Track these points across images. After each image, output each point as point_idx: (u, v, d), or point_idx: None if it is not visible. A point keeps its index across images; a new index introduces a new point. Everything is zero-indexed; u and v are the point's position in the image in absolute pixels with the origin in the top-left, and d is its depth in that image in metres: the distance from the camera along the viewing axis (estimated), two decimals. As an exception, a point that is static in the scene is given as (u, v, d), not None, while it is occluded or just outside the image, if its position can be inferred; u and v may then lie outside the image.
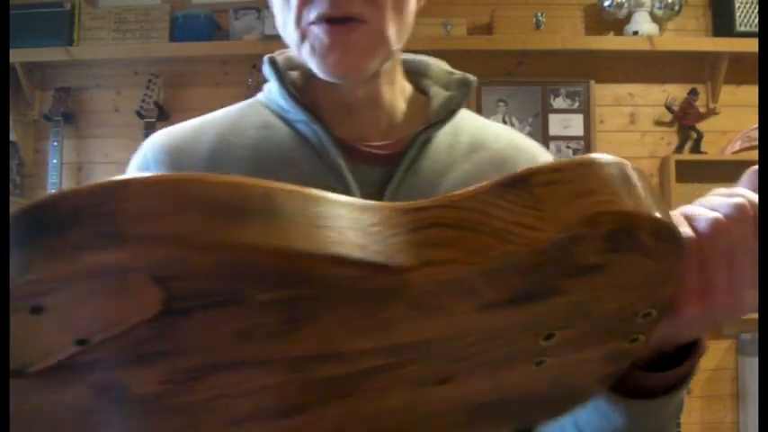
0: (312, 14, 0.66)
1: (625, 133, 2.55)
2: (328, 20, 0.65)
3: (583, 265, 0.39)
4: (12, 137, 2.55)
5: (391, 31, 0.67)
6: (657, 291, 0.42)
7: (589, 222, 0.38)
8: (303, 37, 0.67)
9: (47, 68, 2.63)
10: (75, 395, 0.37)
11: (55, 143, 2.47)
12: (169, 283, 0.33)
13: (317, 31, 0.66)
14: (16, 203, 2.47)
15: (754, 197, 0.46)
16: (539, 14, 2.54)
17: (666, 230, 0.40)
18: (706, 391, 2.54)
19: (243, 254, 0.33)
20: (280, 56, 0.77)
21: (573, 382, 0.46)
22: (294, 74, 0.76)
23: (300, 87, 0.74)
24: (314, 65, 0.67)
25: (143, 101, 2.47)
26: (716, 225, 0.44)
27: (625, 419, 0.54)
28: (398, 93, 0.74)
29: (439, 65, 0.79)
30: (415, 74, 0.78)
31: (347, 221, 0.36)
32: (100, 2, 2.64)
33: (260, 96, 0.77)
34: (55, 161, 2.46)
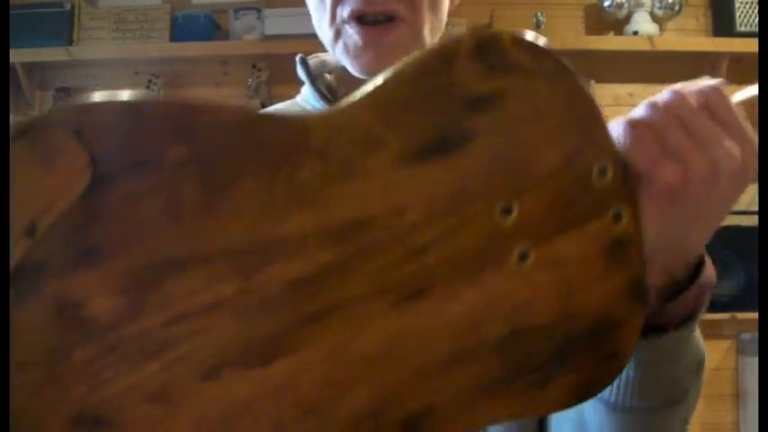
0: (346, 11, 0.64)
1: (625, 133, 2.55)
2: (361, 20, 0.64)
3: (471, 94, 0.39)
4: (12, 137, 2.55)
5: (426, 29, 0.66)
6: (589, 133, 0.41)
7: (444, 42, 0.40)
8: (337, 35, 0.66)
9: (47, 68, 2.63)
10: (34, 311, 0.37)
11: (55, 143, 2.47)
12: (88, 141, 0.36)
13: (351, 31, 0.65)
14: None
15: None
16: (539, 14, 2.54)
17: (530, 43, 0.41)
18: (706, 391, 2.52)
19: (139, 105, 0.37)
20: (313, 59, 0.76)
21: (585, 297, 0.42)
22: (329, 76, 0.76)
23: (335, 89, 0.74)
24: (348, 63, 0.67)
25: (143, 101, 2.47)
26: (657, 101, 0.43)
27: (636, 368, 0.51)
28: None
29: None
30: None
31: None
32: (100, 2, 2.64)
33: (298, 98, 0.77)
34: (55, 161, 2.46)
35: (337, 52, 0.68)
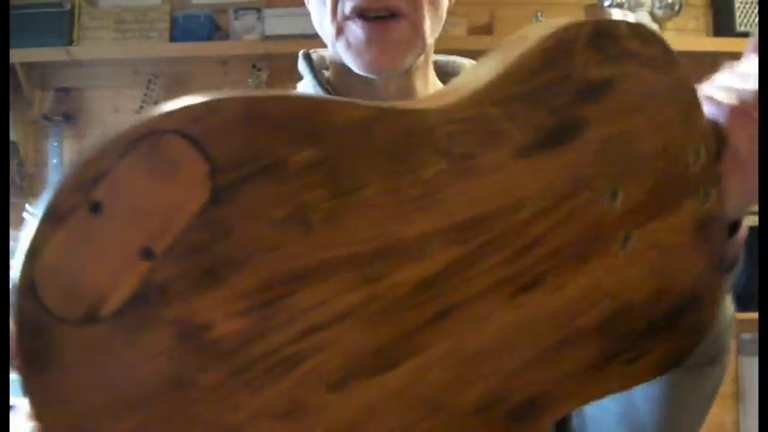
0: (348, 7, 0.65)
1: (625, 133, 2.55)
2: (364, 16, 0.64)
3: (588, 81, 0.40)
4: (12, 137, 2.55)
5: (427, 25, 0.66)
6: (689, 120, 0.43)
7: (565, 29, 0.41)
8: (339, 32, 0.66)
9: (47, 68, 2.63)
10: (155, 341, 0.33)
11: (55, 143, 2.47)
12: (208, 149, 0.32)
13: (354, 26, 0.65)
14: (16, 204, 2.47)
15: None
16: (539, 14, 2.54)
17: (644, 30, 0.42)
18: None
19: (263, 104, 0.33)
20: (314, 53, 0.77)
21: (676, 274, 0.43)
22: (327, 72, 0.76)
23: (334, 85, 0.74)
24: (350, 60, 0.67)
25: (143, 101, 2.47)
26: (750, 93, 0.46)
27: None
28: (431, 88, 0.74)
29: (471, 62, 0.78)
30: (448, 74, 0.77)
31: None
32: (100, 2, 2.64)
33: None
34: (55, 161, 2.46)
35: (339, 49, 0.68)
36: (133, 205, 0.32)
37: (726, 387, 2.54)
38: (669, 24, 2.59)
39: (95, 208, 0.31)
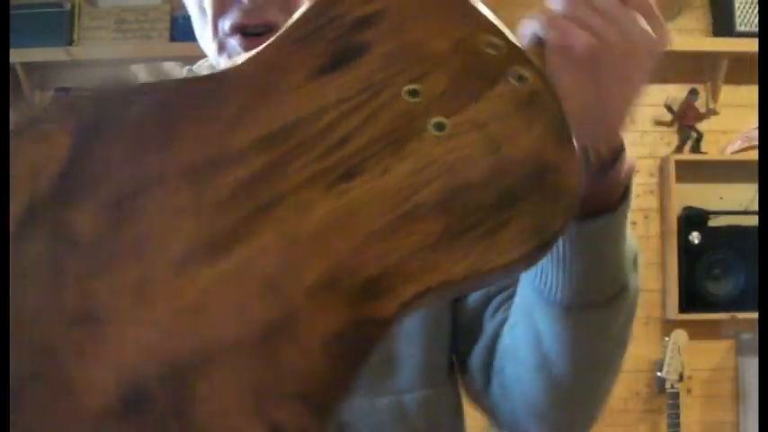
0: (227, 25, 0.67)
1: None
2: (244, 32, 0.66)
3: (357, 17, 0.48)
4: (12, 137, 2.55)
5: None
6: (468, 20, 0.48)
7: None
8: (221, 48, 0.69)
9: (47, 68, 2.63)
10: (39, 238, 0.44)
11: (55, 143, 2.47)
12: (75, 133, 0.45)
13: (234, 42, 0.67)
14: (16, 203, 2.48)
15: None
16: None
17: None
18: (706, 391, 2.54)
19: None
20: (202, 65, 0.80)
21: (511, 147, 0.46)
22: None
23: None
24: None
25: (143, 101, 2.47)
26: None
27: (580, 260, 0.54)
28: None
29: None
30: None
31: None
32: (100, 2, 2.65)
33: None
34: (55, 161, 2.46)
35: (222, 64, 0.70)
36: (20, 160, 0.45)
37: (726, 387, 2.55)
38: (669, 24, 2.59)
39: None
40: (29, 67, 2.58)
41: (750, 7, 2.50)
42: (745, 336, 2.50)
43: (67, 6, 2.58)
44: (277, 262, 0.44)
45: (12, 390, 0.41)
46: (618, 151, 0.52)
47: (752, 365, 2.50)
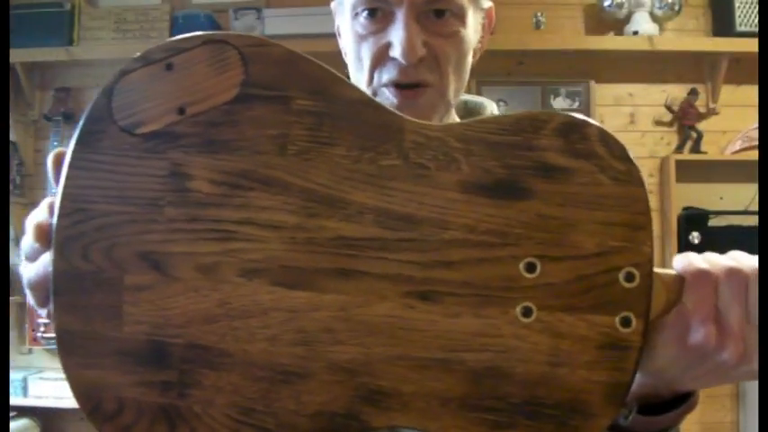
0: (384, 78, 0.71)
1: (625, 133, 2.55)
2: (398, 85, 0.71)
3: (545, 161, 0.46)
4: (12, 137, 2.55)
5: (451, 90, 0.73)
6: (635, 243, 0.46)
7: (540, 112, 0.48)
8: (374, 95, 0.72)
9: (47, 68, 2.63)
10: (155, 167, 0.48)
11: (55, 143, 2.47)
12: (249, 66, 0.49)
13: (388, 93, 0.71)
14: (16, 203, 2.47)
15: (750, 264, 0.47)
16: (538, 14, 2.54)
17: (613, 140, 0.46)
18: (706, 391, 2.53)
19: (299, 60, 0.49)
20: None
21: (566, 372, 0.46)
22: None
23: None
24: None
25: (143, 101, 2.47)
26: (732, 267, 0.46)
27: None
28: None
29: (492, 108, 0.87)
30: (472, 113, 0.85)
31: None
32: (100, 2, 2.64)
33: None
34: (55, 161, 2.46)
35: None
36: (191, 76, 0.49)
37: (726, 387, 2.55)
38: (669, 24, 2.59)
39: (169, 67, 0.50)
40: (29, 67, 2.58)
41: (750, 7, 2.50)
42: (745, 336, 2.50)
43: (67, 6, 2.57)
44: (324, 324, 0.47)
45: None
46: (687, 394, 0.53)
47: (752, 365, 2.50)
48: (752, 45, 2.33)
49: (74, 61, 2.55)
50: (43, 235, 0.49)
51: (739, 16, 2.49)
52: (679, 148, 2.54)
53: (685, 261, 0.47)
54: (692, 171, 2.49)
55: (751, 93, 2.55)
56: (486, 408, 0.46)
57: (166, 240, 0.48)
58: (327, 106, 0.48)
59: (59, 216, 0.48)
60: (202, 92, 0.48)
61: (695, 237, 2.42)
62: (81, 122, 0.49)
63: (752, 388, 2.48)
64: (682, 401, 0.53)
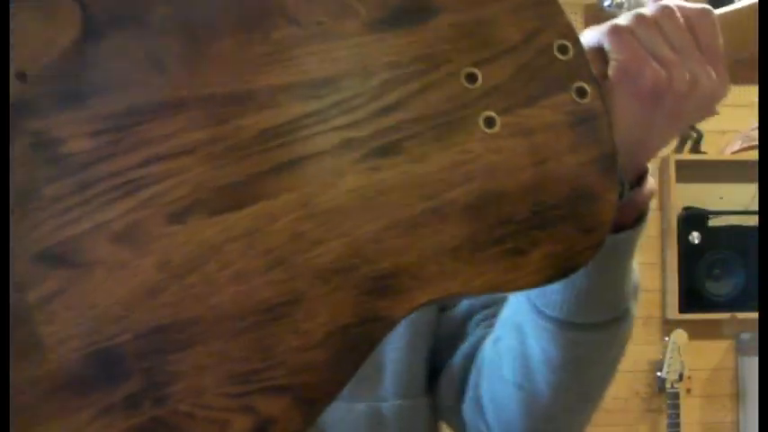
0: None
1: (625, 133, 2.55)
2: None
3: None
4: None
5: None
6: (551, 17, 0.43)
7: None
8: None
9: (47, 68, 2.63)
10: (15, 150, 0.39)
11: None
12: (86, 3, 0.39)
13: None
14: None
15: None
16: (539, 14, 2.54)
17: None
18: (706, 391, 2.54)
19: None
20: None
21: (554, 165, 0.43)
22: None
23: None
24: None
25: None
26: (636, 13, 0.47)
27: (586, 276, 0.52)
28: None
29: None
30: None
31: None
32: (100, 2, 2.64)
33: None
34: (55, 161, 2.45)
35: None
36: (19, 34, 0.39)
37: (726, 387, 2.55)
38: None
39: None
40: (29, 66, 2.58)
41: (750, 7, 2.50)
42: (745, 336, 2.50)
43: (67, 6, 2.57)
44: (290, 231, 0.40)
45: None
46: (641, 175, 0.51)
47: (752, 365, 2.50)
48: (752, 45, 2.32)
49: (74, 61, 2.55)
50: None
51: (739, 16, 2.49)
52: (679, 149, 2.54)
53: (591, 32, 0.47)
54: (691, 171, 2.49)
55: (751, 93, 2.55)
56: (498, 238, 0.42)
57: (60, 226, 0.38)
58: (188, 3, 0.41)
59: None
60: (39, 45, 0.39)
61: (695, 237, 2.42)
62: None
63: (752, 388, 2.49)
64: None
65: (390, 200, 0.41)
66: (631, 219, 0.52)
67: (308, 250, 0.40)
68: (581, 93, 0.43)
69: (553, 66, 0.43)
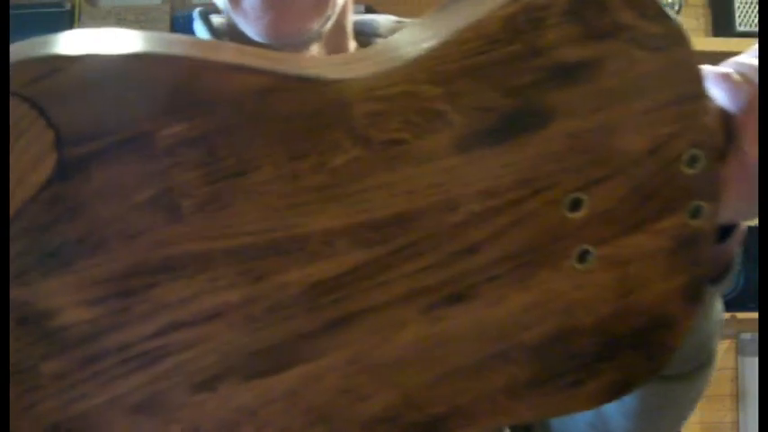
0: None
1: (625, 133, 2.55)
2: None
3: (561, 61, 0.32)
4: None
5: None
6: (689, 118, 0.35)
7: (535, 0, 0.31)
8: (236, 3, 0.60)
9: (47, 68, 2.63)
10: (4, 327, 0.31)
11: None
12: (50, 114, 0.27)
13: (247, 4, 0.58)
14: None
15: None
16: (539, 14, 2.54)
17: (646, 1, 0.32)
18: (706, 391, 2.53)
19: (132, 67, 0.26)
20: (215, 18, 0.70)
21: (642, 296, 0.36)
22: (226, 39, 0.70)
23: None
24: (248, 29, 0.61)
25: (143, 101, 2.47)
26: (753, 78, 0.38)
27: None
28: None
29: (388, 18, 0.70)
30: (366, 35, 0.69)
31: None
32: (100, 1, 2.64)
33: None
34: (55, 161, 2.46)
35: (238, 20, 0.62)
36: None
37: (726, 387, 2.55)
38: (669, 24, 2.59)
39: None
40: (29, 66, 2.58)
41: (750, 7, 2.50)
42: (745, 336, 2.50)
43: (67, 6, 2.57)
44: (338, 387, 0.35)
45: None
46: (732, 227, 0.47)
47: (752, 365, 2.50)
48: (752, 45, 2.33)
49: (74, 61, 2.55)
50: None
51: (739, 16, 2.49)
52: (679, 148, 2.54)
53: (730, 84, 0.37)
54: (692, 171, 2.49)
55: (751, 93, 2.55)
56: (560, 373, 0.37)
57: (68, 402, 0.32)
58: (211, 119, 0.29)
59: None
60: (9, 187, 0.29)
61: (695, 237, 2.42)
62: None
63: (752, 388, 2.48)
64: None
65: (453, 349, 0.36)
66: (721, 265, 0.48)
67: (354, 404, 0.35)
68: (696, 212, 0.37)
69: (674, 182, 0.36)
